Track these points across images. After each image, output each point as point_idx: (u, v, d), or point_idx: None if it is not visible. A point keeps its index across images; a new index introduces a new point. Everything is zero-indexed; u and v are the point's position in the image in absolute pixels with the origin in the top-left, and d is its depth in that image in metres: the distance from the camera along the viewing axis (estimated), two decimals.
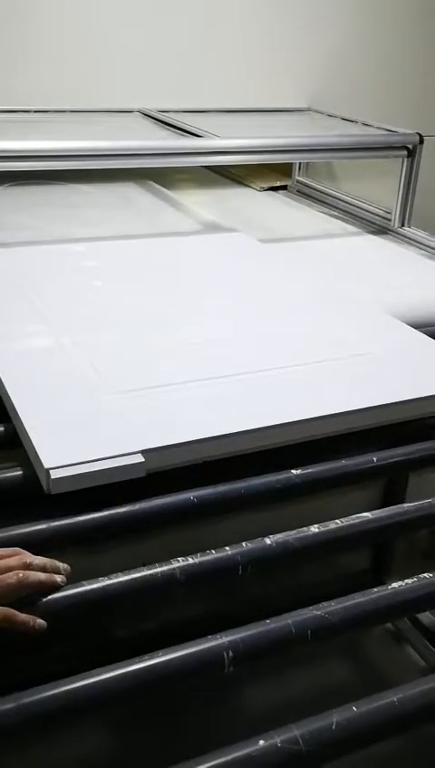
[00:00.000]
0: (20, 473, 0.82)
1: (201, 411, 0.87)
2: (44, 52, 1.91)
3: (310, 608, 0.69)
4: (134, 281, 1.28)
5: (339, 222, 1.83)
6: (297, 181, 2.07)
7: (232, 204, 1.91)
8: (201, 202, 1.86)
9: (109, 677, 0.60)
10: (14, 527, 0.74)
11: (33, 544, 0.71)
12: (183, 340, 1.06)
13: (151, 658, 0.62)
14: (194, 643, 0.63)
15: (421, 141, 1.69)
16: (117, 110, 1.92)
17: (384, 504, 1.52)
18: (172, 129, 1.72)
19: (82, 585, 0.69)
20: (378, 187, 1.88)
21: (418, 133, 1.69)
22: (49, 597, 0.67)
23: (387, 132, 1.74)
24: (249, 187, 2.09)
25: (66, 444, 0.79)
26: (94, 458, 0.76)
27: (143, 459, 0.78)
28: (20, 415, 0.83)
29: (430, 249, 1.65)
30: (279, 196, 2.05)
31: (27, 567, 0.67)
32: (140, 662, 0.62)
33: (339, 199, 1.92)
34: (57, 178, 1.84)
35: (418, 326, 1.24)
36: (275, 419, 0.86)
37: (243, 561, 0.74)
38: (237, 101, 2.04)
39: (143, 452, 0.78)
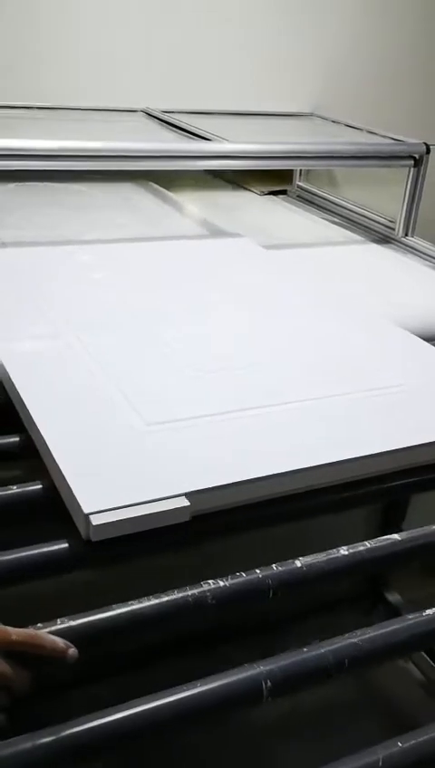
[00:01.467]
0: (39, 487, 0.81)
1: (246, 446, 0.83)
2: (47, 49, 1.87)
3: (346, 635, 0.67)
4: (147, 291, 1.25)
5: (341, 229, 1.81)
6: (298, 186, 2.05)
7: (233, 207, 1.89)
8: (202, 205, 1.84)
9: (145, 709, 0.58)
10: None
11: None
12: (210, 360, 1.02)
13: (190, 689, 0.60)
14: (231, 673, 0.62)
15: (428, 151, 1.68)
16: (120, 109, 1.89)
17: (384, 521, 1.51)
18: (179, 130, 1.69)
19: (112, 609, 0.67)
20: (379, 194, 1.87)
21: (425, 143, 1.68)
22: (78, 620, 0.65)
23: (393, 141, 1.73)
24: (249, 190, 2.07)
25: (105, 485, 0.74)
26: (136, 502, 0.71)
27: (188, 503, 0.73)
28: (52, 452, 0.78)
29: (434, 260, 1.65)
30: (279, 200, 2.04)
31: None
32: (177, 692, 0.60)
33: (340, 206, 1.91)
34: (51, 178, 1.81)
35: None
36: (326, 457, 0.82)
37: (273, 585, 0.72)
38: (241, 104, 2.02)
39: (188, 494, 0.74)
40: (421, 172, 1.69)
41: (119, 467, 0.77)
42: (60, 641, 0.62)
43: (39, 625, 0.64)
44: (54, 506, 0.78)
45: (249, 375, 0.99)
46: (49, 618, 0.66)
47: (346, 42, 2.18)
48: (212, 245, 1.54)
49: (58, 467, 0.76)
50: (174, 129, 1.74)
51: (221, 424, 0.86)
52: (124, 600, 0.69)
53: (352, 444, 0.85)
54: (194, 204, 1.83)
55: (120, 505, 0.71)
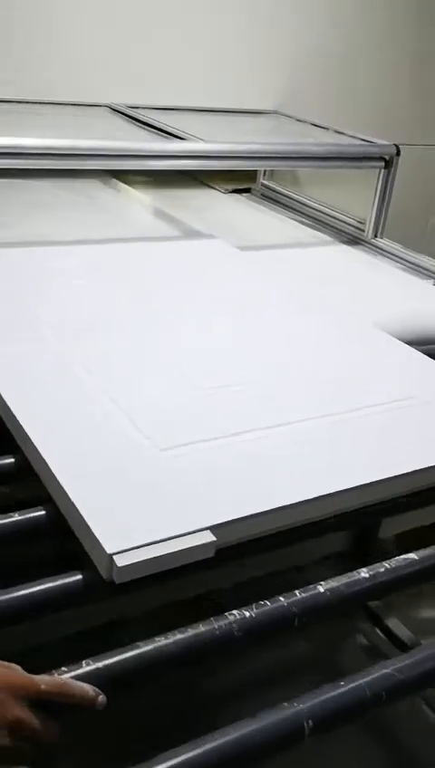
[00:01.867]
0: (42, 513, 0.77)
1: (265, 472, 0.79)
2: (9, 40, 1.80)
3: (378, 666, 0.65)
4: (130, 298, 1.20)
5: (310, 230, 1.80)
6: (262, 185, 2.03)
7: (200, 206, 1.86)
8: (168, 203, 1.80)
9: (192, 756, 0.55)
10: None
11: None
12: (208, 375, 0.98)
13: (234, 731, 0.57)
14: (272, 714, 0.59)
15: (398, 153, 1.68)
16: (85, 104, 1.84)
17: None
18: (147, 127, 1.65)
19: (138, 647, 0.63)
20: (342, 193, 1.86)
21: (395, 144, 1.68)
22: (104, 662, 0.61)
23: (364, 143, 1.72)
24: (213, 188, 2.04)
25: (124, 520, 0.70)
26: (160, 539, 0.67)
27: (214, 538, 0.69)
28: (66, 490, 0.72)
29: (406, 263, 1.65)
30: (244, 199, 2.01)
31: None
32: (221, 737, 0.57)
33: (307, 206, 1.89)
34: (8, 174, 1.74)
35: (415, 344, 1.23)
36: (355, 480, 0.79)
37: (298, 612, 0.70)
38: (205, 101, 1.98)
39: (212, 528, 0.70)
40: (391, 174, 1.69)
41: (135, 499, 0.73)
42: (89, 688, 0.58)
43: (64, 669, 0.60)
44: (60, 532, 0.74)
45: (250, 392, 0.95)
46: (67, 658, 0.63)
47: (310, 40, 2.16)
48: (187, 247, 1.50)
49: (69, 500, 0.72)
50: (141, 125, 1.69)
51: (234, 447, 0.83)
52: (143, 633, 0.66)
53: (383, 462, 0.82)
54: (160, 202, 1.79)
55: (143, 543, 0.66)
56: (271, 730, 0.58)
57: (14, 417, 0.84)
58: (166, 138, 1.58)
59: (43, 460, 0.77)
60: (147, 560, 0.66)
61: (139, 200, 1.80)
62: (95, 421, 0.85)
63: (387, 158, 1.67)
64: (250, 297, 1.27)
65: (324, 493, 0.76)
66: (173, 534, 0.68)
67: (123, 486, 0.75)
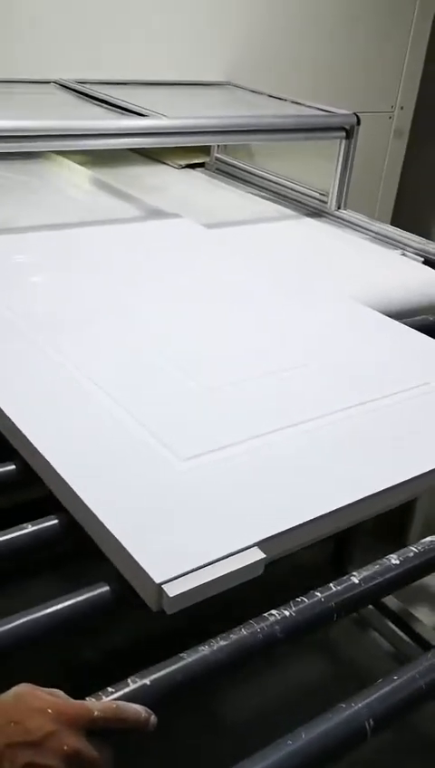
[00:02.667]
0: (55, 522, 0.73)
1: (302, 475, 0.75)
2: None
3: (423, 657, 0.64)
4: (108, 286, 1.15)
5: (271, 204, 1.77)
6: (216, 158, 1.98)
7: (156, 184, 1.81)
8: (123, 182, 1.74)
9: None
10: None
11: None
12: (210, 370, 0.93)
13: (294, 740, 0.55)
14: (334, 715, 0.57)
15: (359, 122, 1.65)
16: (31, 81, 1.76)
17: None
18: (100, 103, 1.58)
19: (182, 658, 0.60)
20: (297, 164, 1.83)
21: (355, 114, 1.65)
22: (151, 677, 0.58)
23: (323, 113, 1.69)
24: (165, 164, 1.99)
25: (168, 546, 0.64)
26: (208, 561, 0.63)
27: (264, 555, 0.64)
28: (99, 517, 0.67)
29: (371, 233, 1.63)
30: (198, 174, 1.97)
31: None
32: (282, 747, 0.55)
33: (264, 179, 1.86)
34: None
35: (395, 317, 1.22)
36: (395, 477, 0.75)
37: (336, 606, 0.68)
38: (153, 73, 1.92)
39: (260, 543, 0.65)
40: (352, 144, 1.66)
41: (171, 518, 0.68)
42: (142, 710, 0.55)
43: (110, 690, 0.57)
44: (75, 543, 0.71)
45: (258, 388, 0.90)
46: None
47: (260, 9, 2.11)
48: (154, 228, 1.46)
49: (103, 526, 0.66)
50: (93, 101, 1.63)
51: (259, 451, 0.78)
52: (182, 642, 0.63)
53: (419, 456, 0.79)
54: (116, 181, 1.73)
55: (191, 568, 0.62)
56: (334, 733, 0.56)
57: (15, 427, 0.79)
58: (121, 114, 1.52)
59: (65, 482, 0.71)
60: (198, 587, 0.61)
61: (94, 180, 1.74)
62: (105, 431, 0.79)
63: (348, 127, 1.65)
64: (231, 279, 1.24)
65: (371, 492, 0.73)
66: (221, 555, 0.63)
67: (154, 504, 0.69)
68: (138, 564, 0.62)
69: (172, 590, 0.60)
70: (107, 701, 0.55)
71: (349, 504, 0.72)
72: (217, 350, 1.00)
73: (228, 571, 0.63)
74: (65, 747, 0.51)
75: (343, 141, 1.65)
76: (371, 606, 1.53)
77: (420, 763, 1.19)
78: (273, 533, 0.66)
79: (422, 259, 1.49)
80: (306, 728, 0.56)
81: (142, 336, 1.01)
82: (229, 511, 0.69)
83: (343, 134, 1.64)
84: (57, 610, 0.64)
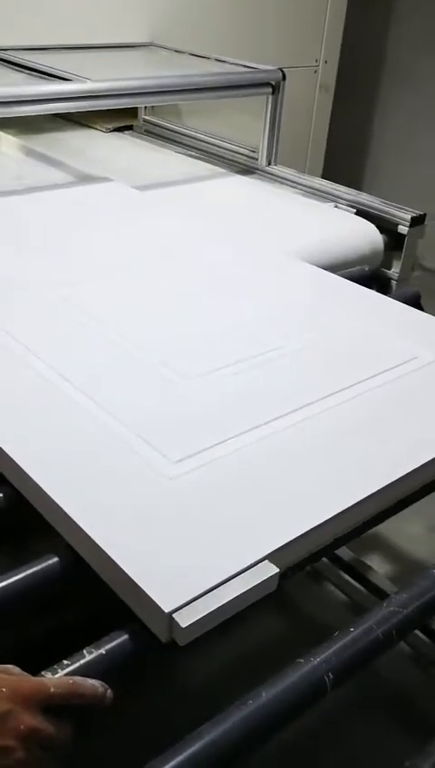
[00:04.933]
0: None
1: (307, 471, 0.69)
2: None
3: (378, 607, 0.65)
4: (51, 259, 1.10)
5: (202, 163, 1.74)
6: (144, 120, 1.94)
7: (83, 148, 1.76)
8: (50, 148, 1.70)
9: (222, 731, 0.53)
10: None
11: None
12: (182, 357, 0.85)
13: (255, 699, 0.55)
14: (293, 671, 0.58)
15: (284, 78, 1.63)
16: None
17: None
18: (22, 69, 1.54)
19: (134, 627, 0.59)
20: (225, 122, 1.81)
21: (280, 69, 1.63)
22: (106, 646, 0.58)
23: (248, 69, 1.66)
24: (92, 128, 1.94)
25: (172, 568, 0.58)
26: (218, 582, 0.56)
27: (277, 569, 0.58)
28: (97, 541, 0.60)
29: (303, 187, 1.62)
30: (127, 137, 1.92)
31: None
32: (244, 706, 0.55)
33: (195, 138, 1.83)
34: None
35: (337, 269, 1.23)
36: (403, 468, 0.70)
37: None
38: (74, 37, 1.86)
39: (271, 556, 0.59)
40: (279, 99, 1.64)
41: (170, 533, 0.61)
42: (98, 684, 0.55)
43: (66, 662, 0.57)
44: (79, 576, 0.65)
45: (242, 376, 0.83)
46: None
47: None
48: (84, 193, 1.42)
49: (101, 551, 0.60)
50: (14, 67, 1.57)
51: (254, 447, 0.71)
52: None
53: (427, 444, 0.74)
54: (42, 147, 1.68)
55: (201, 592, 0.55)
56: (294, 690, 0.57)
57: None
58: (44, 79, 1.47)
59: (55, 503, 0.64)
60: (211, 612, 0.55)
61: (20, 147, 1.69)
62: (85, 432, 0.72)
63: (274, 83, 1.62)
64: (171, 245, 1.20)
65: (387, 483, 0.68)
66: (230, 573, 0.57)
67: (150, 519, 0.63)
68: (144, 593, 0.56)
69: (184, 620, 0.54)
70: (63, 676, 0.55)
71: (366, 498, 0.66)
72: (182, 330, 0.93)
73: (242, 591, 0.57)
74: (21, 727, 0.50)
75: (270, 97, 1.63)
76: (324, 558, 1.55)
77: (384, 713, 1.22)
78: (284, 542, 0.60)
79: (355, 210, 1.49)
80: (266, 686, 0.56)
81: (96, 318, 0.94)
82: (230, 519, 0.63)
83: (270, 90, 1.62)
84: (8, 584, 0.62)
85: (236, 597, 0.56)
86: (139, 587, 0.56)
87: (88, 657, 0.57)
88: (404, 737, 1.22)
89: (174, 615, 0.55)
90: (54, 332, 0.90)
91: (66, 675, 0.55)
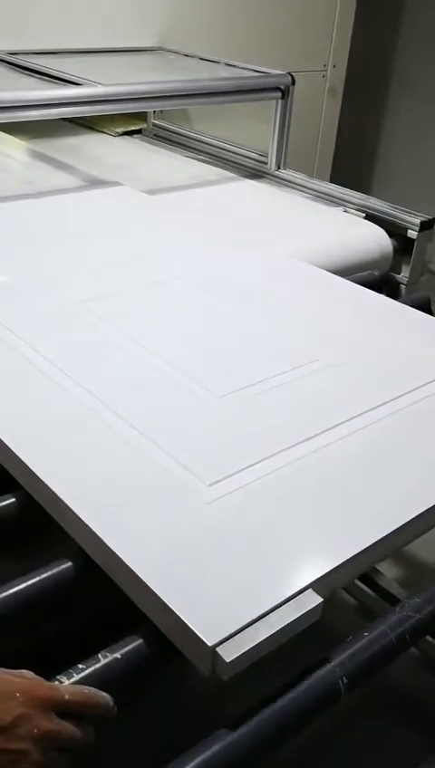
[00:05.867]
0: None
1: (348, 492, 0.66)
2: None
3: (391, 612, 0.65)
4: (65, 267, 1.09)
5: (212, 167, 1.75)
6: (154, 124, 1.95)
7: (94, 153, 1.77)
8: (56, 150, 1.71)
9: (236, 737, 0.53)
10: None
11: None
12: (213, 372, 0.83)
13: (269, 704, 0.55)
14: (307, 676, 0.58)
15: (293, 82, 1.63)
16: None
17: None
18: (34, 74, 1.54)
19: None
20: (234, 126, 1.82)
21: (289, 73, 1.63)
22: (121, 650, 0.58)
23: (259, 74, 1.66)
24: (102, 132, 1.95)
25: (214, 599, 0.55)
26: (261, 613, 0.54)
27: (321, 599, 0.56)
28: (139, 575, 0.57)
29: (312, 191, 1.63)
30: (137, 141, 1.93)
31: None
32: (259, 711, 0.55)
33: (204, 143, 1.83)
34: None
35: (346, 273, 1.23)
36: None
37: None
38: (84, 41, 1.86)
39: (314, 585, 0.56)
40: (288, 104, 1.64)
41: (210, 562, 0.59)
42: (109, 699, 0.55)
43: (81, 666, 0.57)
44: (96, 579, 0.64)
45: (273, 392, 0.80)
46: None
47: None
48: (95, 197, 1.42)
49: (142, 582, 0.57)
50: (26, 72, 1.58)
51: (292, 468, 0.68)
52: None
53: None
54: (52, 152, 1.69)
55: (245, 624, 0.53)
56: (308, 694, 0.57)
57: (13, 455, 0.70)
58: (55, 83, 1.47)
59: (93, 533, 0.61)
60: (255, 645, 0.53)
61: (31, 152, 1.69)
62: (116, 456, 0.69)
63: (283, 87, 1.63)
64: (183, 251, 1.20)
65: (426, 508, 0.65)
66: (274, 603, 0.55)
67: (186, 545, 0.61)
68: (186, 625, 0.54)
69: (228, 654, 0.52)
70: (78, 686, 0.55)
71: (416, 517, 0.64)
72: (208, 343, 0.90)
73: (286, 622, 0.54)
74: (35, 730, 0.50)
75: (279, 101, 1.63)
76: None
77: (396, 716, 1.21)
78: (329, 569, 0.58)
79: (364, 215, 1.49)
80: (281, 691, 0.56)
81: (113, 325, 0.91)
82: (271, 547, 0.61)
83: (279, 94, 1.63)
84: (22, 589, 0.63)
85: (281, 629, 0.54)
86: (183, 621, 0.54)
87: (103, 661, 0.57)
88: (414, 740, 1.21)
89: (217, 649, 0.52)
90: (76, 346, 0.88)
91: (82, 678, 0.56)
